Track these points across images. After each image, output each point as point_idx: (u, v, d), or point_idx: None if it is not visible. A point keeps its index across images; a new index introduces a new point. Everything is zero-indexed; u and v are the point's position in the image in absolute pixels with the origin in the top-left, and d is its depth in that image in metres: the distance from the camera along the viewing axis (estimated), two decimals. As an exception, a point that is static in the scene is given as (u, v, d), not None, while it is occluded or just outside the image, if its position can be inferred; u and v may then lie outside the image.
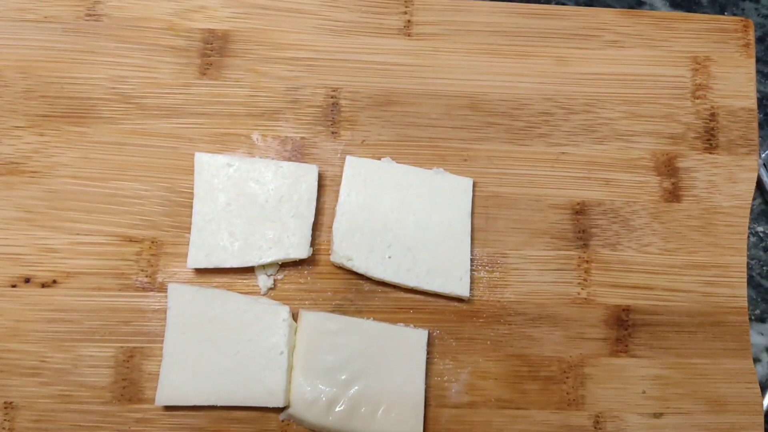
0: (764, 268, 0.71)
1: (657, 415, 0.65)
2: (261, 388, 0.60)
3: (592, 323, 0.66)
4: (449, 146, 0.68)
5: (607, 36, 0.71)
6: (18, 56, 0.67)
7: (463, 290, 0.64)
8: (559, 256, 0.67)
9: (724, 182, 0.69)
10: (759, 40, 0.75)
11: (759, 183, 0.70)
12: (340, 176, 0.66)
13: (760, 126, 0.72)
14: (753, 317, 0.70)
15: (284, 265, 0.65)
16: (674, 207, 0.69)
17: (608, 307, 0.67)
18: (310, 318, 0.63)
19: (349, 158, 0.66)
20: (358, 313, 0.65)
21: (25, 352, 0.62)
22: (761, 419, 0.65)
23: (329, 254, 0.65)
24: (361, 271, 0.64)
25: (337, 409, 0.61)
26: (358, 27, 0.70)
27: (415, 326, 0.64)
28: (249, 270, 0.65)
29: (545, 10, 0.72)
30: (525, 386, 0.65)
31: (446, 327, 0.65)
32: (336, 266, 0.65)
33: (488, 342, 0.65)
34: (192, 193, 0.65)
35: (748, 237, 0.70)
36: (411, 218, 0.65)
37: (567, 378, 0.65)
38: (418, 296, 0.65)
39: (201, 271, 0.64)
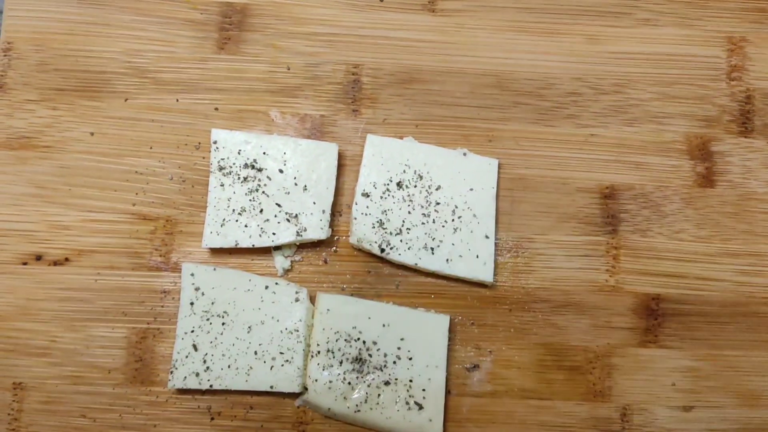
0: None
1: (687, 409, 0.62)
2: (276, 373, 0.58)
3: (620, 312, 0.64)
4: (474, 126, 0.66)
5: (640, 14, 0.69)
6: (32, 28, 0.65)
7: (486, 275, 0.62)
8: (586, 242, 0.65)
9: (759, 167, 0.67)
10: (797, 20, 0.72)
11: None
12: (361, 155, 0.64)
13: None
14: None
15: (302, 246, 0.63)
16: (708, 192, 0.66)
17: (637, 295, 0.64)
18: (328, 301, 0.61)
19: (370, 137, 0.64)
20: (378, 297, 0.63)
21: (35, 331, 0.61)
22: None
23: (348, 236, 0.63)
24: (380, 253, 0.61)
25: (355, 395, 0.59)
26: (381, 2, 0.68)
27: (436, 311, 0.62)
28: (266, 251, 0.63)
29: (575, -13, 0.69)
30: (549, 376, 0.62)
31: (468, 313, 0.63)
32: (355, 248, 0.63)
33: (512, 329, 0.63)
34: (208, 171, 0.63)
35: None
36: (434, 200, 0.63)
37: (593, 368, 0.63)
38: (439, 281, 0.63)
39: (216, 251, 0.63)
